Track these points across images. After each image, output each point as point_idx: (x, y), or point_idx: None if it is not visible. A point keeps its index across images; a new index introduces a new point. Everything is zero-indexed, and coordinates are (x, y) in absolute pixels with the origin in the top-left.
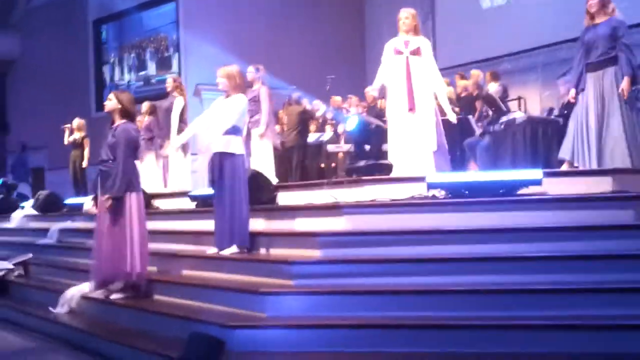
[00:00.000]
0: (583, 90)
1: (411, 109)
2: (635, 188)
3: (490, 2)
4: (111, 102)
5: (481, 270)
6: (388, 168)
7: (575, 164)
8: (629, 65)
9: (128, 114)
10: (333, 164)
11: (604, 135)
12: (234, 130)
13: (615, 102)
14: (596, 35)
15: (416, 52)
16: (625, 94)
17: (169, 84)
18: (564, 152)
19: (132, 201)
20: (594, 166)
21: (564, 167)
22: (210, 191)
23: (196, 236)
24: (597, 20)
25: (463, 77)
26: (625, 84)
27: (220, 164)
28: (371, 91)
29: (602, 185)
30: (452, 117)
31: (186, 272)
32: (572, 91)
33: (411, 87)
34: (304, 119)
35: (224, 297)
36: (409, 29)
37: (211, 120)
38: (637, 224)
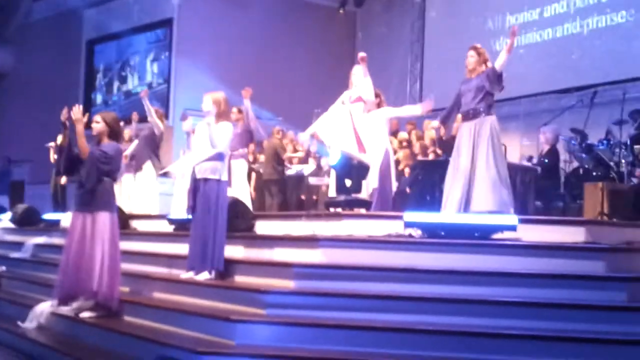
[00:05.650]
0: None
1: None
2: (607, 240)
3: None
4: (99, 125)
5: (451, 311)
6: (366, 204)
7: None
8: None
9: (115, 135)
10: (314, 197)
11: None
12: (220, 157)
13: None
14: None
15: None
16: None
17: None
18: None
19: (106, 220)
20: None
21: None
22: (187, 215)
23: (170, 259)
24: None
25: None
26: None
27: (204, 189)
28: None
29: (576, 235)
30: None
31: (158, 295)
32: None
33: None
34: (278, 154)
35: (194, 322)
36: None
37: (196, 145)
38: (607, 275)
